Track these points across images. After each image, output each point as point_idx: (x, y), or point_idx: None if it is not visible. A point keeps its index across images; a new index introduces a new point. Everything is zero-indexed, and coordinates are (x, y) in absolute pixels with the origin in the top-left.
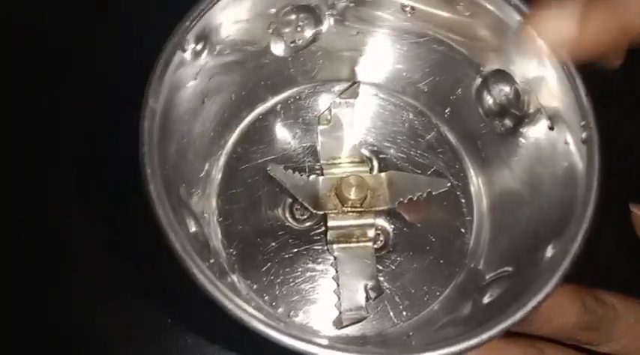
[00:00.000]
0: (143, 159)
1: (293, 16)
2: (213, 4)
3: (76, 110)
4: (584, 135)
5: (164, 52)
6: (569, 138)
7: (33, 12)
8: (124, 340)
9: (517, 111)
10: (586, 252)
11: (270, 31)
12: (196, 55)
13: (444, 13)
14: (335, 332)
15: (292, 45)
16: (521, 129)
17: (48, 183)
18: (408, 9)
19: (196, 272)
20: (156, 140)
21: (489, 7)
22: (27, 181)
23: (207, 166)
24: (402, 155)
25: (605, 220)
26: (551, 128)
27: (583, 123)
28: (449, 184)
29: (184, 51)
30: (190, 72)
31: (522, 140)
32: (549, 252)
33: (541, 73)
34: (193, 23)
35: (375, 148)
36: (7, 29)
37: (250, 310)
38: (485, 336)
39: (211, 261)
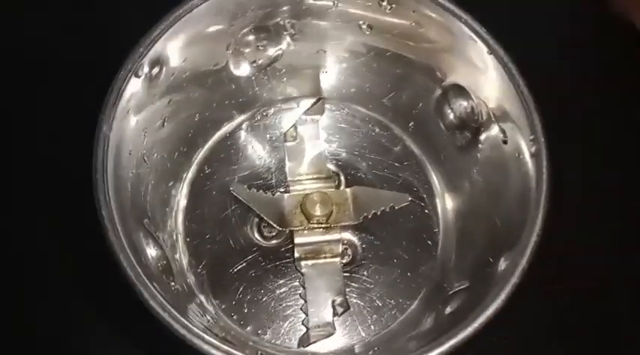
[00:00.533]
0: (96, 187)
1: (251, 37)
2: (166, 30)
3: (77, 111)
4: (533, 148)
5: (117, 79)
6: (522, 151)
7: (33, 12)
8: (119, 340)
9: (474, 124)
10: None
11: (230, 51)
12: (152, 79)
13: (400, 29)
14: (303, 348)
15: (254, 64)
16: (479, 142)
17: (48, 183)
18: (364, 27)
19: (148, 298)
20: (111, 166)
21: (442, 21)
22: (27, 181)
23: (173, 187)
24: (369, 169)
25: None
26: (504, 141)
27: (532, 137)
28: (410, 199)
29: (138, 76)
30: (146, 96)
31: (480, 153)
32: (502, 265)
33: (491, 87)
34: (147, 49)
35: (342, 163)
36: (7, 31)
37: (200, 333)
38: (445, 347)
39: (173, 283)
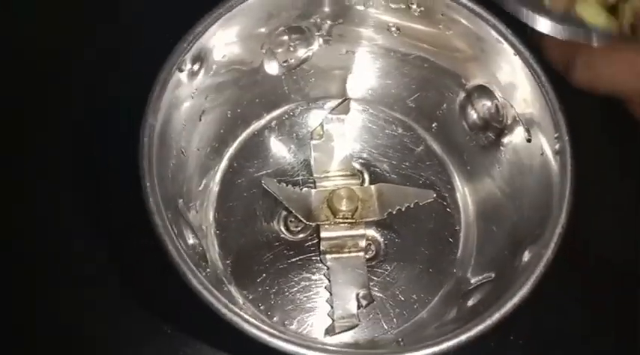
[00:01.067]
0: (142, 173)
1: (285, 37)
2: (209, 27)
3: (77, 111)
4: (557, 146)
5: (162, 71)
6: (545, 150)
7: (32, 16)
8: (122, 348)
9: (497, 124)
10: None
11: (264, 51)
12: (193, 74)
13: (427, 32)
14: (328, 339)
15: (285, 64)
16: (502, 142)
17: (49, 187)
18: (393, 29)
19: (191, 278)
20: (155, 154)
21: (469, 25)
22: (27, 182)
23: (205, 180)
24: (392, 168)
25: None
26: (528, 140)
27: (556, 135)
28: (434, 195)
29: (181, 71)
30: (187, 91)
31: (503, 152)
32: (526, 256)
33: (517, 88)
34: (190, 45)
35: (366, 161)
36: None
37: (239, 312)
38: (470, 334)
39: (208, 271)
